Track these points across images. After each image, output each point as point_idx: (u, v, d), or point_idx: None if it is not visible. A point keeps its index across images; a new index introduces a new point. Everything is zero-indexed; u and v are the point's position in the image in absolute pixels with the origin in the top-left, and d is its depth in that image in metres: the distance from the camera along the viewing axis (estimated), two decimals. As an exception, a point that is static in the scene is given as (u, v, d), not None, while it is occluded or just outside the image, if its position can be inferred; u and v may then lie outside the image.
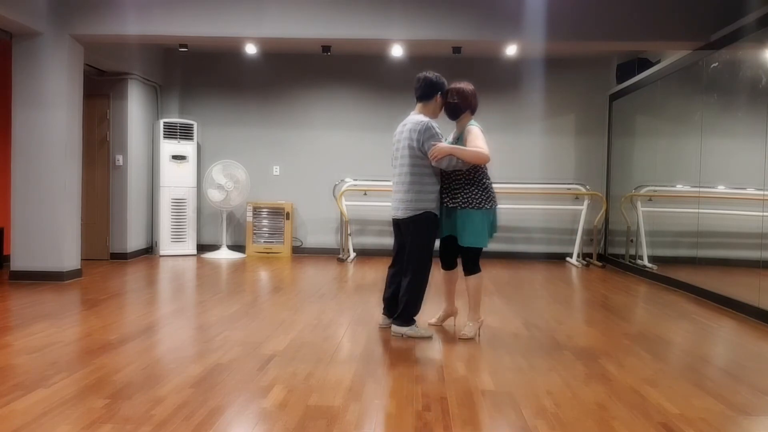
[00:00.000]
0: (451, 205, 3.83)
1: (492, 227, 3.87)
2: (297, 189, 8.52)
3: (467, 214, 3.77)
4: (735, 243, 5.28)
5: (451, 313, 4.20)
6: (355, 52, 8.17)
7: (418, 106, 3.92)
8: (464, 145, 3.77)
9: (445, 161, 3.71)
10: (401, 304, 3.87)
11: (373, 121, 8.46)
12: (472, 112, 3.94)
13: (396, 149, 3.91)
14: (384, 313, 4.09)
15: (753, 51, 4.86)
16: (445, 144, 3.77)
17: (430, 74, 3.89)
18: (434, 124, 3.78)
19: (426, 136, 3.72)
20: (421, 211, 3.77)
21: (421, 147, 3.74)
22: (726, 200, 5.44)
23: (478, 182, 3.81)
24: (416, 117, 3.85)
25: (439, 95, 3.89)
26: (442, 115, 3.99)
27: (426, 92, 3.88)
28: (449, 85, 3.93)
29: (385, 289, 4.05)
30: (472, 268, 3.88)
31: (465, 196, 3.79)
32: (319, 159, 8.51)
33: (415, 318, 3.91)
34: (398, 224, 3.93)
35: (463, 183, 3.81)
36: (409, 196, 3.78)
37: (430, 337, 3.88)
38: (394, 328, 3.89)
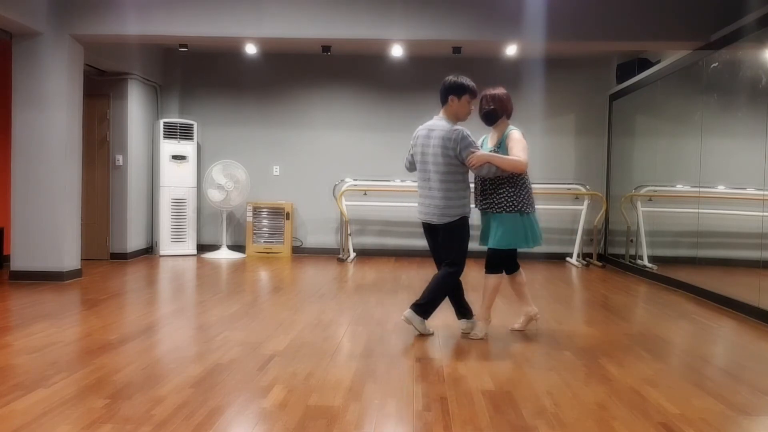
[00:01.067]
0: (491, 209, 3.86)
1: (531, 233, 3.86)
2: (297, 189, 8.52)
3: (501, 217, 3.82)
4: (735, 243, 5.28)
5: (532, 315, 4.13)
6: (355, 52, 8.17)
7: (441, 109, 3.92)
8: (506, 150, 3.81)
9: (485, 168, 3.76)
10: (426, 297, 3.86)
11: (373, 121, 8.46)
12: (509, 116, 3.96)
13: (422, 153, 3.88)
14: (459, 318, 4.04)
15: (753, 51, 4.86)
16: (482, 152, 3.80)
17: (448, 77, 3.89)
18: (468, 132, 3.78)
19: (463, 144, 3.74)
20: (459, 217, 3.82)
21: (458, 155, 3.75)
22: (726, 200, 5.44)
23: (517, 185, 3.83)
24: (444, 123, 3.82)
25: (454, 98, 3.84)
26: (472, 118, 3.93)
27: (441, 96, 3.90)
28: (484, 91, 3.92)
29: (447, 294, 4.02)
30: (495, 267, 3.93)
31: (501, 199, 3.82)
32: (319, 159, 8.51)
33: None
34: (432, 228, 3.94)
35: (501, 186, 3.83)
36: (447, 202, 3.80)
37: (432, 334, 3.94)
38: (410, 314, 3.85)
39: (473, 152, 3.74)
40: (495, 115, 3.92)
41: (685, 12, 5.50)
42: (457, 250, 3.88)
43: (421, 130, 3.93)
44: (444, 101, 3.88)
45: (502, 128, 3.95)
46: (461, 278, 3.98)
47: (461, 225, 3.85)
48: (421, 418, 2.53)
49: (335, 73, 8.47)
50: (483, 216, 3.99)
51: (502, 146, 3.86)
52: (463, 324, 4.01)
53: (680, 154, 6.17)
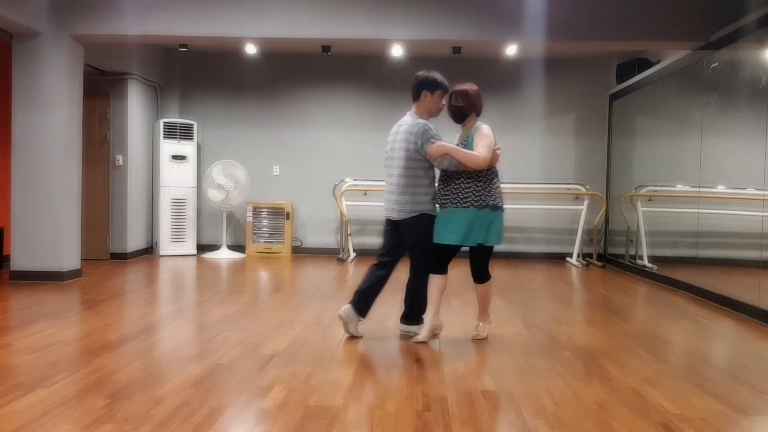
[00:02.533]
0: (455, 204, 3.71)
1: (499, 230, 3.72)
2: (297, 189, 8.52)
3: (468, 212, 3.65)
4: (735, 243, 5.28)
5: (439, 328, 3.93)
6: (355, 52, 8.16)
7: (413, 106, 3.92)
8: (472, 145, 3.70)
9: (446, 161, 3.69)
10: (409, 303, 3.91)
11: (373, 121, 8.46)
12: (478, 113, 3.83)
13: (391, 149, 3.89)
14: (352, 306, 3.82)
15: (753, 51, 4.86)
16: (443, 143, 3.73)
17: (420, 73, 3.86)
18: (431, 126, 3.76)
19: (424, 138, 3.70)
20: (417, 213, 3.75)
21: (419, 149, 3.72)
22: (726, 200, 5.44)
23: (485, 179, 3.70)
24: (411, 118, 3.84)
25: (428, 93, 3.82)
26: (444, 115, 3.91)
27: (414, 92, 3.88)
28: (453, 87, 3.84)
29: (363, 282, 3.91)
30: (485, 275, 3.81)
31: (468, 194, 3.67)
32: (319, 159, 8.51)
33: (423, 316, 3.92)
34: (394, 224, 3.89)
35: (467, 179, 3.69)
36: (405, 198, 3.76)
37: (441, 327, 3.92)
38: (406, 327, 3.92)
39: (433, 143, 3.69)
40: (463, 112, 3.79)
41: (685, 12, 5.50)
42: (418, 252, 3.82)
43: (395, 127, 3.94)
44: (417, 97, 3.86)
45: (470, 126, 3.81)
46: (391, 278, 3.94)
47: (420, 222, 3.75)
48: (421, 418, 2.53)
49: (335, 73, 8.46)
50: (443, 211, 3.76)
51: (469, 141, 3.73)
52: (347, 310, 3.79)
53: (680, 154, 6.17)
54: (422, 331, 3.79)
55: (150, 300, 5.04)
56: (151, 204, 8.18)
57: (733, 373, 3.26)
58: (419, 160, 3.74)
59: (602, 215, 8.05)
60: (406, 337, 3.88)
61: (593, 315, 4.77)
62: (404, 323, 3.96)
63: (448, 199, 3.74)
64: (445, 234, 3.71)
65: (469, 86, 3.82)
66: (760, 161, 4.59)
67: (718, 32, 5.33)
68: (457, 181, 3.73)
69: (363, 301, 3.84)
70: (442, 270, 3.79)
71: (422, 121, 3.78)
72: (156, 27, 5.68)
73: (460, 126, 3.88)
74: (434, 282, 3.79)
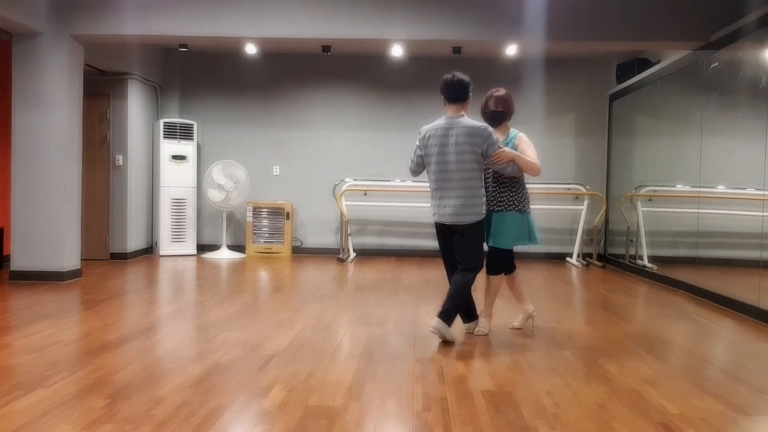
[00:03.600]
0: (497, 209, 3.92)
1: (531, 232, 3.95)
2: (297, 189, 8.52)
3: (504, 216, 3.88)
4: (735, 243, 5.28)
5: (530, 313, 4.21)
6: (355, 52, 8.16)
7: (454, 107, 3.78)
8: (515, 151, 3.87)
9: (510, 167, 3.78)
10: (449, 303, 3.75)
11: (373, 121, 8.46)
12: (510, 117, 4.04)
13: (438, 153, 3.74)
14: (465, 321, 4.02)
15: (753, 51, 4.86)
16: (509, 149, 3.81)
17: (462, 75, 3.82)
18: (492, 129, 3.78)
19: (491, 141, 3.70)
20: (481, 216, 3.79)
21: (484, 152, 3.71)
22: (726, 200, 5.44)
23: (521, 184, 3.93)
24: (466, 120, 3.75)
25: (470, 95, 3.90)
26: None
27: (463, 93, 3.79)
28: (489, 92, 3.99)
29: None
30: (499, 268, 4.01)
31: (502, 198, 3.89)
32: (319, 159, 8.51)
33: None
34: (451, 229, 3.82)
35: (509, 185, 3.90)
36: (473, 201, 3.74)
37: (453, 342, 3.78)
38: (440, 324, 3.69)
39: (501, 148, 3.74)
40: (502, 116, 3.98)
41: (686, 12, 5.50)
42: (479, 251, 3.86)
43: (434, 129, 3.79)
44: (465, 98, 3.80)
45: (504, 130, 4.00)
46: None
47: (482, 224, 3.84)
48: (421, 418, 2.53)
49: (335, 73, 8.46)
50: (497, 216, 3.97)
51: (508, 146, 3.89)
52: (467, 326, 4.03)
53: (680, 154, 6.17)
54: (483, 326, 4.00)
55: (150, 300, 5.04)
56: (151, 204, 8.18)
57: (733, 373, 3.26)
58: (480, 162, 3.76)
59: (602, 215, 8.05)
60: (406, 334, 3.88)
61: (593, 315, 4.77)
62: (441, 319, 3.72)
63: (492, 203, 3.94)
64: (507, 239, 3.98)
65: (504, 91, 4.02)
66: (760, 161, 4.59)
67: (718, 32, 5.34)
68: (499, 187, 3.92)
69: (465, 308, 3.99)
70: (500, 270, 4.05)
71: (482, 123, 3.78)
72: (156, 27, 5.69)
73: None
74: (497, 282, 4.04)
